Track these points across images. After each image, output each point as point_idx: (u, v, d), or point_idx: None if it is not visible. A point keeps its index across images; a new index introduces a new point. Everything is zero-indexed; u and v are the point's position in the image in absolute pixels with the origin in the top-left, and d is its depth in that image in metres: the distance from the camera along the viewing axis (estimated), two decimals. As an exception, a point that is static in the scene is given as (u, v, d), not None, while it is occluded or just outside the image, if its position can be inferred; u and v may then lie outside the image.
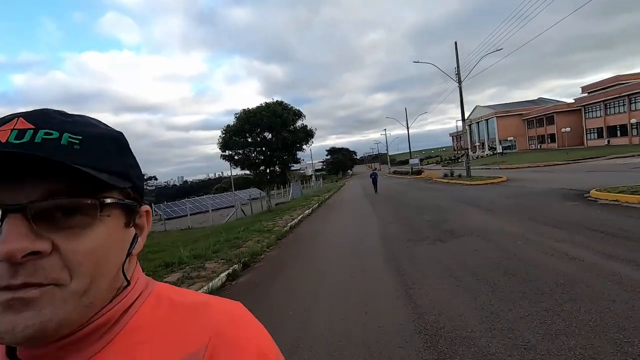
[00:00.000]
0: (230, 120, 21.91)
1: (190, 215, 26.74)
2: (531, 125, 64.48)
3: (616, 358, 2.44)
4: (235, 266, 6.41)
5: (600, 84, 52.75)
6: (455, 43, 21.05)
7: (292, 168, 25.26)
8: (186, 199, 46.71)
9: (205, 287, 5.31)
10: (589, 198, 9.25)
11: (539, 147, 62.06)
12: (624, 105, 45.08)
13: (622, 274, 3.91)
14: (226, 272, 6.06)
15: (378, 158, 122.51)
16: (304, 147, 19.36)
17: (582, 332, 2.82)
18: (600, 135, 50.33)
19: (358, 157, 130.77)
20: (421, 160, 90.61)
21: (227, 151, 18.35)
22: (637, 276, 3.81)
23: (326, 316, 3.90)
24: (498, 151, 63.22)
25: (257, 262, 7.05)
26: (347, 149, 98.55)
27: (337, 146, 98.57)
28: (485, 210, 9.58)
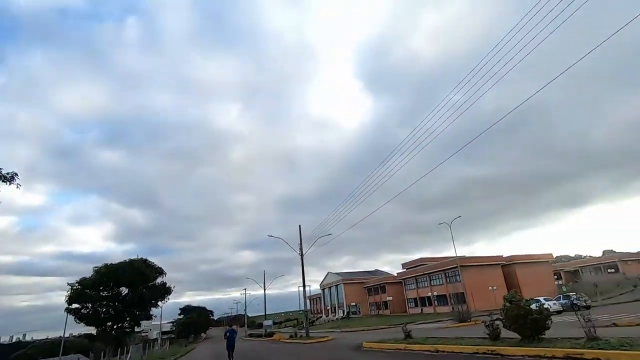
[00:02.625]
0: (62, 265, 21.72)
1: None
2: (370, 292, 75.68)
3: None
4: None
5: (412, 263, 69.10)
6: (300, 226, 28.18)
7: (136, 329, 24.70)
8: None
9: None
10: (362, 347, 13.96)
11: (377, 313, 71.66)
12: (427, 281, 59.38)
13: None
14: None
15: (236, 320, 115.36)
16: (159, 303, 20.42)
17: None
18: (416, 304, 62.39)
19: (215, 318, 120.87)
20: (280, 322, 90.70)
21: (73, 304, 18.02)
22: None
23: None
24: (343, 315, 70.09)
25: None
26: (203, 308, 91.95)
27: (193, 304, 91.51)
28: (297, 356, 13.18)
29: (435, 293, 55.30)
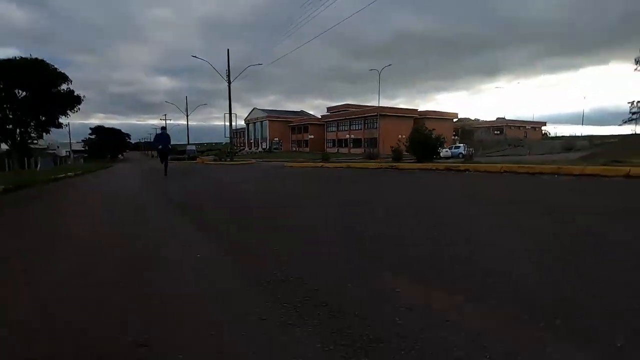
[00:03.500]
0: None
1: None
2: (294, 131, 79.68)
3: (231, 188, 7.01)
4: (11, 185, 8.03)
5: (337, 108, 72.09)
6: (228, 50, 25.99)
7: (41, 146, 23.07)
8: None
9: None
10: (284, 167, 15.69)
11: (297, 150, 77.62)
12: (347, 125, 63.88)
13: (264, 187, 8.96)
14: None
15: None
16: (69, 112, 18.83)
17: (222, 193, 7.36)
18: (334, 145, 68.37)
19: (133, 142, 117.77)
20: (202, 151, 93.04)
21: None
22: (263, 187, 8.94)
23: (102, 188, 7.02)
24: (265, 149, 74.49)
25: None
26: (119, 130, 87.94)
27: (106, 126, 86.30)
28: (226, 171, 14.37)
29: (352, 136, 60.60)
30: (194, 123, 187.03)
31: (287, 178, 8.90)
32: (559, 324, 1.29)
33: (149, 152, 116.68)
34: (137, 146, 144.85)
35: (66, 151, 63.60)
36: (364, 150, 55.65)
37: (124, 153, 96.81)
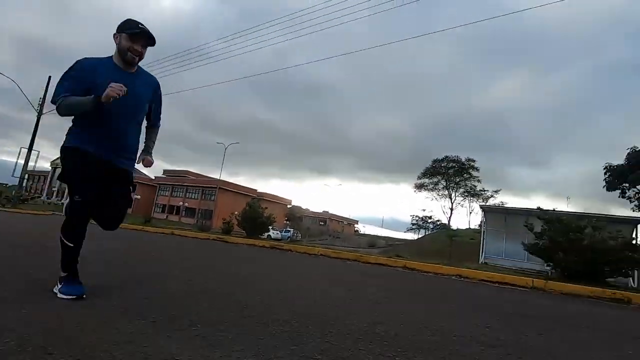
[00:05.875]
0: None
1: None
2: (117, 187, 69.26)
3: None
4: None
5: (175, 172, 68.02)
6: (49, 77, 21.93)
7: None
8: None
9: None
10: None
11: (116, 209, 66.80)
12: (183, 192, 60.26)
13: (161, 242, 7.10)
14: None
15: None
16: None
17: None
18: (163, 210, 62.36)
19: None
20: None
21: None
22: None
23: None
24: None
25: None
26: None
27: None
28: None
29: (187, 205, 57.13)
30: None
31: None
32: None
33: None
34: None
35: None
36: (197, 220, 52.83)
37: None
